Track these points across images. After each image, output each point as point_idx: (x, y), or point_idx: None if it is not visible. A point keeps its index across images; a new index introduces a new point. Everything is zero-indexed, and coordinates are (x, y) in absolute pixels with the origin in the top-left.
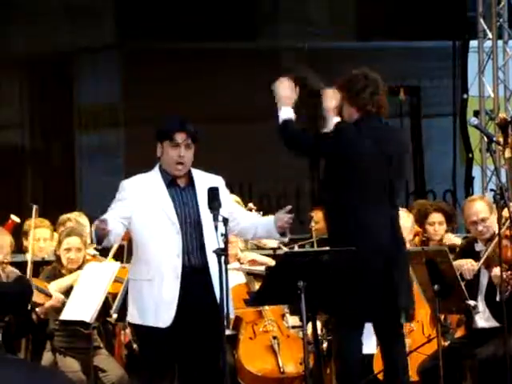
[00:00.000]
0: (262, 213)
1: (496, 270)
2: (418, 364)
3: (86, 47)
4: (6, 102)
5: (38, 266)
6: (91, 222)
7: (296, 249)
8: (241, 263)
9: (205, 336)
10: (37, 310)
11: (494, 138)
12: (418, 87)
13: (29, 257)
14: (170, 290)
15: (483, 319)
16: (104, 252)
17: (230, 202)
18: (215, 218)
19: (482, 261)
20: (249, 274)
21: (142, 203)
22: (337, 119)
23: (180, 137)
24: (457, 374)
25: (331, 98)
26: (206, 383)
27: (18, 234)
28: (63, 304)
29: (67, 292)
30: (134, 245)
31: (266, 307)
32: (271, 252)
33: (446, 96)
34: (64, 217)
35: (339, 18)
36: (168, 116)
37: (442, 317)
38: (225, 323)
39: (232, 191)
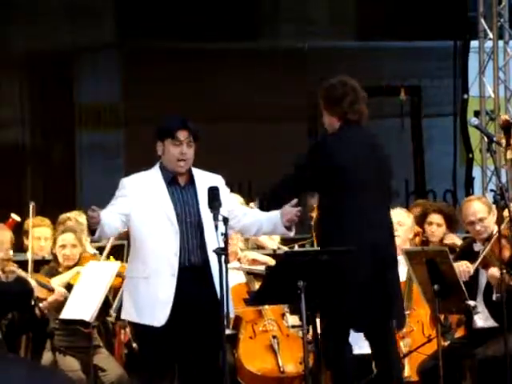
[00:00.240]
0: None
1: (492, 270)
2: (418, 364)
3: (86, 46)
4: (6, 100)
5: (39, 264)
6: None
7: (296, 248)
8: (241, 263)
9: (204, 335)
10: (40, 305)
11: (495, 139)
12: (418, 87)
13: (29, 255)
14: (166, 289)
15: (482, 319)
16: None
17: (230, 200)
18: (215, 218)
19: (478, 261)
20: (249, 273)
21: (141, 201)
22: None
23: (182, 134)
24: (456, 374)
25: None
26: (206, 382)
27: (19, 232)
28: (66, 298)
29: (66, 289)
30: (132, 242)
31: (266, 307)
32: (271, 252)
33: (446, 96)
34: (64, 216)
35: (339, 17)
36: (168, 115)
37: (442, 317)
38: (225, 322)
39: (232, 190)
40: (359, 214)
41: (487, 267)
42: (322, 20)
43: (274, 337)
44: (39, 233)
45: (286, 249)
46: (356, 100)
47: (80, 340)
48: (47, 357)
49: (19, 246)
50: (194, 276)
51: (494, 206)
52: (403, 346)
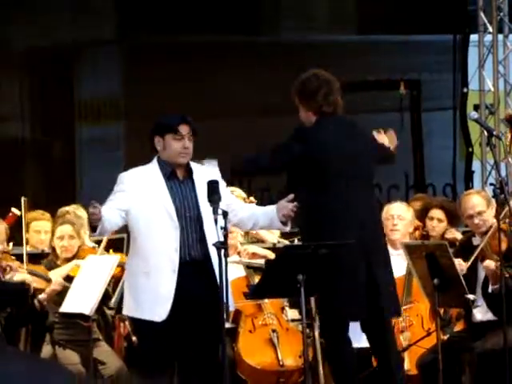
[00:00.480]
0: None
1: (487, 262)
2: (418, 358)
3: (86, 41)
4: (6, 96)
5: (39, 258)
6: None
7: (296, 242)
8: (241, 256)
9: (204, 329)
10: (39, 296)
11: (494, 132)
12: (418, 81)
13: (24, 248)
14: (167, 284)
15: (481, 313)
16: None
17: (227, 194)
18: (215, 212)
19: (475, 254)
20: (248, 267)
21: (140, 196)
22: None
23: (184, 129)
24: (456, 368)
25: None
26: (206, 377)
27: (19, 226)
28: (64, 288)
29: (66, 280)
30: (132, 238)
31: (266, 300)
32: (271, 245)
33: (446, 90)
34: (62, 209)
35: (340, 12)
36: (164, 114)
37: (442, 311)
38: (224, 316)
39: (232, 185)
40: (339, 204)
41: (484, 260)
42: (322, 14)
43: (274, 331)
44: (39, 226)
45: (285, 242)
46: (330, 92)
47: (79, 333)
48: (47, 350)
49: (20, 240)
50: (194, 270)
51: (493, 200)
52: (403, 339)
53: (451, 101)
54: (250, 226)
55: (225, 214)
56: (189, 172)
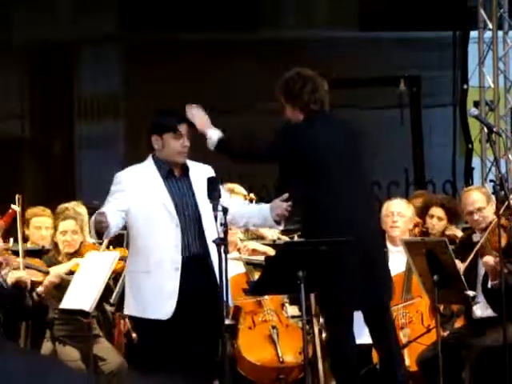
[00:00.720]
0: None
1: (487, 258)
2: (418, 354)
3: (86, 37)
4: (6, 93)
5: (40, 254)
6: (89, 212)
7: (296, 239)
8: (240, 253)
9: (205, 326)
10: (37, 289)
11: (494, 129)
12: (418, 77)
13: (20, 243)
14: (170, 282)
15: (481, 309)
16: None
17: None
18: (215, 208)
19: (474, 250)
20: (248, 263)
21: (139, 195)
22: (213, 131)
23: (183, 128)
24: (456, 364)
25: (196, 115)
26: (205, 373)
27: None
28: (63, 280)
29: (62, 287)
30: (132, 237)
31: (266, 297)
32: (271, 242)
33: (446, 86)
34: (62, 206)
35: (340, 8)
36: (159, 111)
37: (442, 307)
38: (224, 312)
39: (232, 181)
40: (331, 198)
41: (484, 256)
42: (323, 10)
43: (274, 327)
44: (40, 222)
45: (286, 239)
46: (315, 89)
47: (79, 329)
48: (47, 347)
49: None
50: (195, 267)
51: (493, 196)
52: (402, 336)
53: (451, 97)
54: (242, 223)
55: (225, 211)
56: (185, 170)
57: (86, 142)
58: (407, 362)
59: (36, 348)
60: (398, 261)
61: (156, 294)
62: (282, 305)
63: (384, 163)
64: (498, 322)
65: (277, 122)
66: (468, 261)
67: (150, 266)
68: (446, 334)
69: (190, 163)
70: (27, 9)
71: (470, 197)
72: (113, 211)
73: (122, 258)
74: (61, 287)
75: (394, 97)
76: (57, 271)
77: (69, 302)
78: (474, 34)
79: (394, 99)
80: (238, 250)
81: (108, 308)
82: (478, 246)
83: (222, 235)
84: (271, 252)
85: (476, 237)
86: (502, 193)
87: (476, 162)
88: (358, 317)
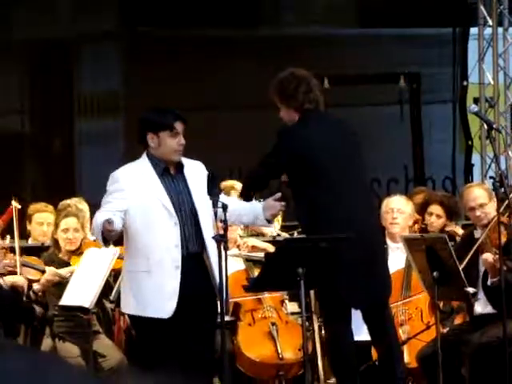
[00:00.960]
0: (261, 200)
1: (486, 255)
2: (418, 351)
3: (86, 36)
4: (5, 89)
5: (40, 251)
6: (91, 209)
7: (296, 235)
8: (240, 250)
9: (205, 323)
10: (34, 287)
11: (494, 126)
12: (417, 74)
13: (16, 241)
14: (171, 281)
15: (481, 306)
16: None
17: None
18: (215, 205)
19: (474, 247)
20: (248, 260)
21: (137, 194)
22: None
23: (179, 126)
24: (456, 361)
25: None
26: (205, 370)
27: (20, 219)
28: (61, 277)
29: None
30: (130, 236)
31: (266, 293)
32: (271, 238)
33: (445, 83)
34: (64, 203)
35: (340, 4)
36: (154, 109)
37: (441, 304)
38: (224, 309)
39: (231, 177)
40: (331, 197)
41: (484, 253)
42: (323, 7)
43: (273, 324)
44: (42, 218)
45: (285, 235)
46: (310, 89)
47: (79, 326)
48: (46, 343)
49: (21, 233)
50: (193, 265)
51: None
52: (402, 332)
53: (451, 94)
54: (232, 220)
55: (225, 207)
56: (179, 167)
57: (85, 139)
58: (407, 358)
59: (36, 345)
60: (397, 257)
61: (157, 294)
62: (282, 301)
63: (384, 160)
64: (498, 318)
65: (277, 118)
66: (468, 257)
67: (150, 265)
68: (445, 330)
69: (184, 160)
70: (27, 8)
71: (472, 193)
72: (111, 211)
73: (121, 257)
74: (61, 286)
75: (393, 93)
76: (54, 270)
77: (68, 298)
78: (473, 30)
79: (394, 96)
80: (238, 246)
81: (108, 305)
82: (478, 243)
83: (220, 232)
84: (271, 249)
85: (477, 233)
86: (502, 189)
87: (476, 158)
88: (357, 314)
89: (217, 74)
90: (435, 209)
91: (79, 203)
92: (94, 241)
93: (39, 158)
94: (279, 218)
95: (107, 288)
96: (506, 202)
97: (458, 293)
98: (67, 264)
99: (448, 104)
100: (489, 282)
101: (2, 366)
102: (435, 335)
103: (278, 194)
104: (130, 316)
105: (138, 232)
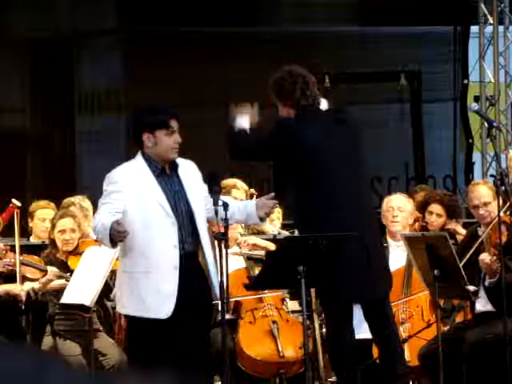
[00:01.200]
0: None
1: (483, 255)
2: (419, 348)
3: (86, 31)
4: (6, 87)
5: (40, 249)
6: (93, 206)
7: (296, 233)
8: (241, 248)
9: (203, 322)
10: (35, 287)
11: (495, 124)
12: (418, 72)
13: (16, 240)
14: (170, 281)
15: (481, 304)
16: None
17: (203, 186)
18: (215, 203)
19: (474, 247)
20: (249, 258)
21: (134, 194)
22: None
23: (174, 123)
24: (457, 358)
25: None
26: (203, 369)
27: (21, 218)
28: (61, 278)
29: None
30: (127, 237)
31: (266, 292)
32: (272, 237)
33: (446, 81)
34: (68, 200)
35: (341, 2)
36: (147, 107)
37: (442, 302)
38: (225, 307)
39: (232, 176)
40: (325, 197)
41: (485, 251)
42: (323, 5)
43: (274, 322)
44: (44, 214)
45: (286, 233)
46: (306, 87)
47: (80, 324)
48: (47, 342)
49: (23, 230)
50: (190, 264)
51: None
52: (403, 331)
53: (452, 92)
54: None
55: (225, 206)
56: (174, 166)
57: (86, 136)
58: (408, 356)
59: (37, 343)
60: (398, 256)
61: (155, 294)
62: (283, 300)
63: (384, 158)
64: (498, 316)
65: (276, 114)
66: (468, 256)
67: (149, 266)
68: (446, 328)
69: (178, 160)
70: (27, 3)
71: (477, 191)
72: (115, 216)
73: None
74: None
75: (394, 92)
76: (54, 270)
77: (69, 296)
78: (474, 28)
79: (395, 94)
80: (238, 244)
81: (108, 303)
82: (478, 241)
83: (221, 230)
84: (272, 247)
85: (481, 231)
86: (503, 188)
87: (476, 156)
88: (358, 312)
89: (217, 70)
90: (435, 208)
91: (83, 201)
92: (95, 240)
93: (40, 155)
94: (279, 215)
95: (106, 288)
96: (508, 203)
97: (458, 291)
98: (65, 264)
99: (449, 102)
100: (486, 283)
101: (2, 365)
102: (436, 333)
103: (271, 194)
104: (127, 316)
105: (135, 233)
